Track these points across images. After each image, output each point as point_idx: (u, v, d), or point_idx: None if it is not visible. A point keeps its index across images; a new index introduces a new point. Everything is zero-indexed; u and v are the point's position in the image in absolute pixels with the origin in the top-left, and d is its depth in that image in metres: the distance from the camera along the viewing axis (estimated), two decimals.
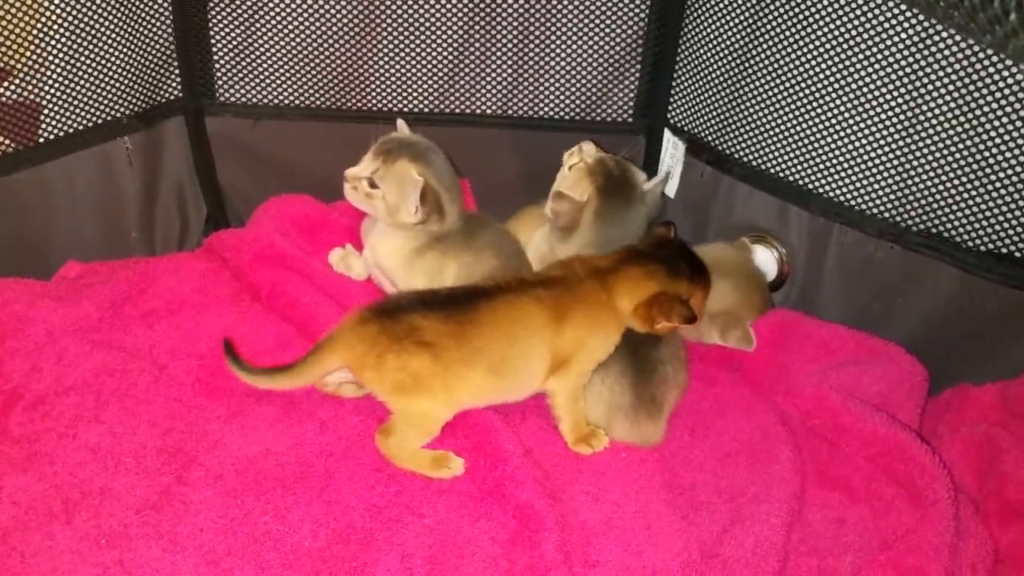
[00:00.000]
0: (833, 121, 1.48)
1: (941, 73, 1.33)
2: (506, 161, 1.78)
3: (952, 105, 1.34)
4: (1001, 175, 1.33)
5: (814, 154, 1.53)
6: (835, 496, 1.32)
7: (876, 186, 1.48)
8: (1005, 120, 1.30)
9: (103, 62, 1.51)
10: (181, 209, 1.73)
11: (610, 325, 1.31)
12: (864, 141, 1.46)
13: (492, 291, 1.26)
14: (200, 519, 1.14)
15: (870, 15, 1.37)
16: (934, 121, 1.37)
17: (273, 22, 1.61)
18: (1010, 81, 1.27)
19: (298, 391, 1.31)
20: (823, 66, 1.46)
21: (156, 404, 1.29)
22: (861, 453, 1.36)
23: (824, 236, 1.57)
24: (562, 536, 1.16)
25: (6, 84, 1.42)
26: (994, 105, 1.30)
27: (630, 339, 1.33)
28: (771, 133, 1.57)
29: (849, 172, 1.50)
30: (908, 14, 1.33)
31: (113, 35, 1.51)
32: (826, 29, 1.43)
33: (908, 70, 1.37)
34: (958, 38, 1.29)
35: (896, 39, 1.36)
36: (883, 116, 1.42)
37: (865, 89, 1.43)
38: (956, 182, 1.39)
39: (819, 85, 1.48)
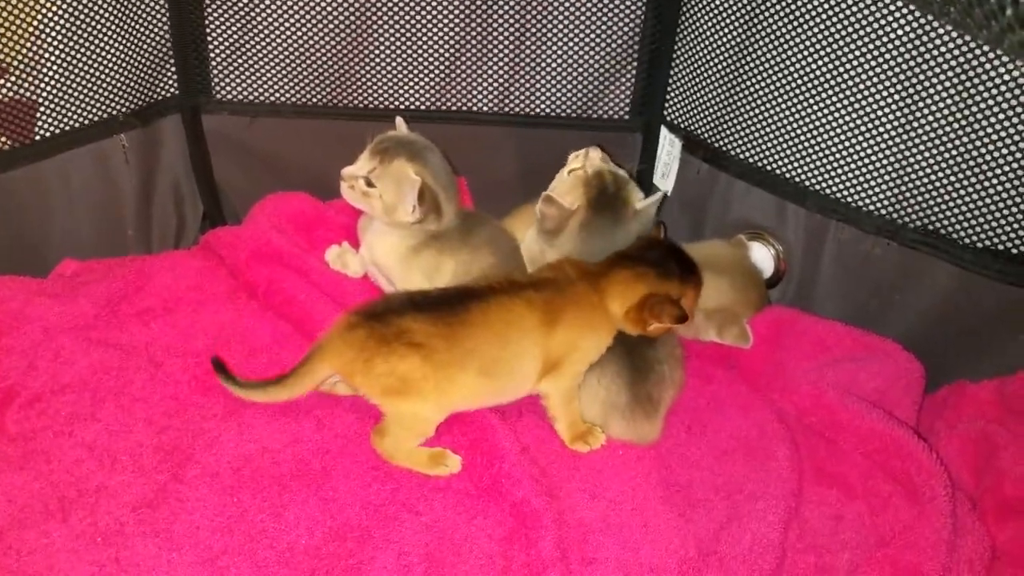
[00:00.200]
0: (830, 118, 1.48)
1: (937, 69, 1.33)
2: (503, 159, 1.77)
3: (949, 101, 1.34)
4: (998, 171, 1.33)
5: (811, 151, 1.53)
6: (832, 493, 1.32)
7: (873, 183, 1.48)
8: (1002, 116, 1.30)
9: (99, 59, 1.51)
10: (177, 207, 1.73)
11: (602, 327, 1.30)
12: (861, 138, 1.46)
13: (483, 293, 1.26)
14: (196, 517, 1.14)
15: (866, 11, 1.37)
16: (931, 117, 1.37)
17: (269, 19, 1.61)
18: (1006, 77, 1.27)
19: None
20: (819, 63, 1.46)
21: (152, 402, 1.29)
22: (858, 450, 1.35)
23: (821, 233, 1.57)
24: (559, 533, 1.16)
25: (2, 81, 1.42)
26: (991, 101, 1.30)
27: (626, 338, 1.33)
28: (768, 130, 1.57)
29: (846, 169, 1.50)
30: (904, 10, 1.33)
31: (109, 32, 1.51)
32: (822, 25, 1.43)
33: (904, 66, 1.36)
34: (954, 34, 1.29)
35: (892, 35, 1.36)
36: (880, 113, 1.42)
37: (862, 85, 1.42)
38: (953, 179, 1.39)
39: (815, 82, 1.47)
